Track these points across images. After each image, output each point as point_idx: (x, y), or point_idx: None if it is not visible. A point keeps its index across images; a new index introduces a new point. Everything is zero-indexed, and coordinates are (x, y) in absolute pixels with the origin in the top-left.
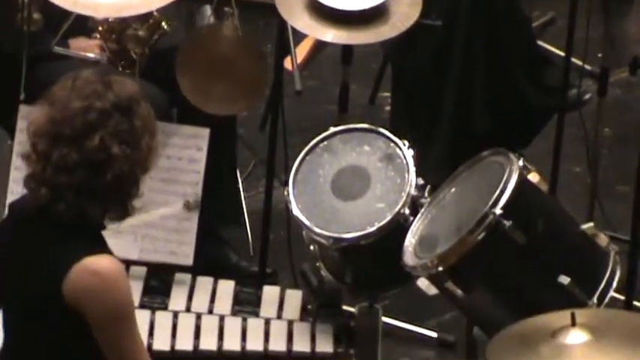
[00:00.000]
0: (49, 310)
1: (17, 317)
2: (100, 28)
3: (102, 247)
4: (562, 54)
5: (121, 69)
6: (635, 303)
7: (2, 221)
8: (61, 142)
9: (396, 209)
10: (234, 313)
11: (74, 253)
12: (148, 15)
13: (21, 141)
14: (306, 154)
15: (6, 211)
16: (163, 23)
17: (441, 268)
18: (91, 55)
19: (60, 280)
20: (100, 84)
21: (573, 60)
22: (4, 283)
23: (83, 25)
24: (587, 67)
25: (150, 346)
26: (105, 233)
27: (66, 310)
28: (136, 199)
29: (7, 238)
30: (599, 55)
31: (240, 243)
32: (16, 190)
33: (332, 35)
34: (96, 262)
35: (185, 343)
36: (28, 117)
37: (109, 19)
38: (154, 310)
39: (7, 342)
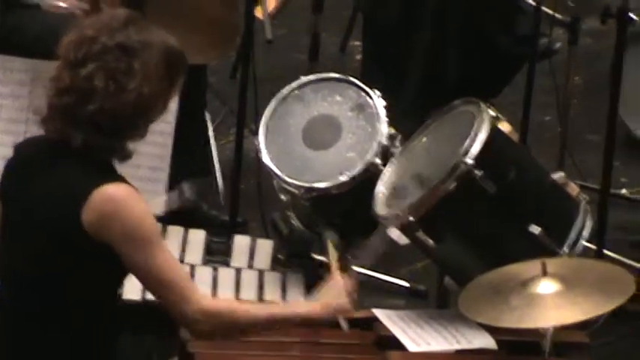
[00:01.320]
0: (68, 236)
1: (31, 247)
2: None
3: (116, 176)
4: (533, 3)
5: None
6: (606, 252)
7: (9, 160)
8: (65, 66)
9: (367, 158)
10: (205, 262)
11: (91, 181)
12: None
13: None
14: (277, 103)
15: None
16: None
17: (412, 218)
18: (61, 4)
19: (79, 206)
20: (121, 22)
21: (544, 9)
22: (18, 214)
23: None
24: (558, 16)
25: (119, 295)
26: None
27: (85, 237)
28: (129, 140)
29: (20, 172)
30: (570, 4)
31: (210, 192)
32: None
33: None
34: (112, 188)
35: None
36: None
37: None
38: None
39: (13, 277)
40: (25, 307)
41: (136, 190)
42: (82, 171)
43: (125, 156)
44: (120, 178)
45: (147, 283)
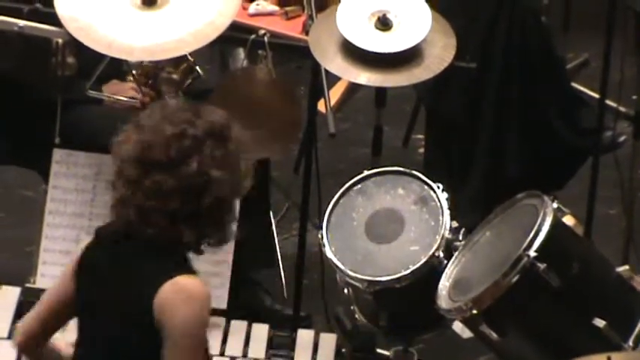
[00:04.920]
0: (139, 324)
1: (104, 331)
2: (135, 72)
3: (191, 270)
4: (596, 96)
5: None
6: None
7: (89, 244)
8: (154, 169)
9: (430, 252)
10: (268, 357)
11: (166, 272)
12: (181, 59)
13: (55, 185)
14: (340, 197)
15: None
16: (197, 68)
17: (475, 312)
18: (124, 98)
19: (152, 296)
20: (190, 112)
21: (608, 102)
22: (95, 300)
23: (117, 69)
24: (622, 109)
25: None
26: None
27: (152, 325)
28: (232, 223)
29: (98, 259)
30: (634, 97)
31: (274, 286)
32: (50, 235)
33: (365, 78)
34: (185, 280)
35: None
36: (62, 161)
37: (143, 63)
38: None
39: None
40: None
41: (206, 288)
42: (160, 261)
43: (227, 239)
44: (194, 272)
45: None
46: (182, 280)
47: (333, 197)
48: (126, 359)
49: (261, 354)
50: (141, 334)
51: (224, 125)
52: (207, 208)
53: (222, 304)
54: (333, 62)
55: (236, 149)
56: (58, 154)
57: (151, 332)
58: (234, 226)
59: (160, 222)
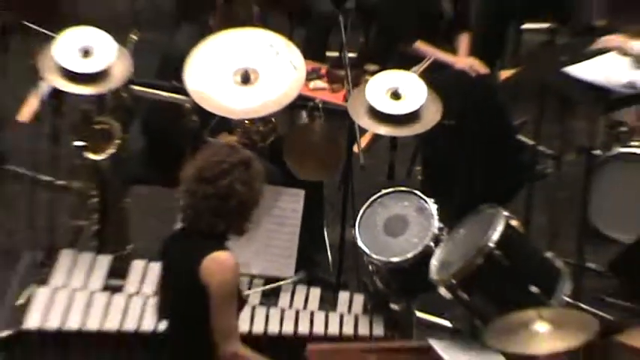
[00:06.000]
0: (194, 287)
1: (178, 298)
2: (240, 130)
3: (225, 247)
4: (532, 142)
5: None
6: (580, 305)
7: (171, 236)
8: (203, 182)
9: (425, 243)
10: (320, 309)
11: (206, 251)
12: (269, 121)
13: None
14: (367, 207)
15: None
16: (278, 129)
17: (454, 281)
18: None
19: (199, 267)
20: (229, 149)
21: (540, 148)
22: (168, 271)
23: (227, 122)
24: (549, 151)
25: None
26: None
27: (202, 287)
28: (249, 222)
29: (173, 244)
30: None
31: (324, 263)
32: None
33: (384, 130)
34: (217, 254)
35: (286, 326)
36: None
37: (243, 122)
38: (269, 306)
39: (171, 318)
40: (179, 335)
41: (233, 259)
42: (204, 245)
43: (244, 231)
44: (228, 249)
45: (212, 317)
46: (217, 254)
47: (362, 207)
48: (190, 310)
49: (315, 307)
50: (196, 294)
51: (250, 158)
52: (233, 208)
53: (291, 272)
54: (363, 119)
55: (256, 175)
56: None
57: (202, 292)
58: (250, 225)
59: (205, 216)
